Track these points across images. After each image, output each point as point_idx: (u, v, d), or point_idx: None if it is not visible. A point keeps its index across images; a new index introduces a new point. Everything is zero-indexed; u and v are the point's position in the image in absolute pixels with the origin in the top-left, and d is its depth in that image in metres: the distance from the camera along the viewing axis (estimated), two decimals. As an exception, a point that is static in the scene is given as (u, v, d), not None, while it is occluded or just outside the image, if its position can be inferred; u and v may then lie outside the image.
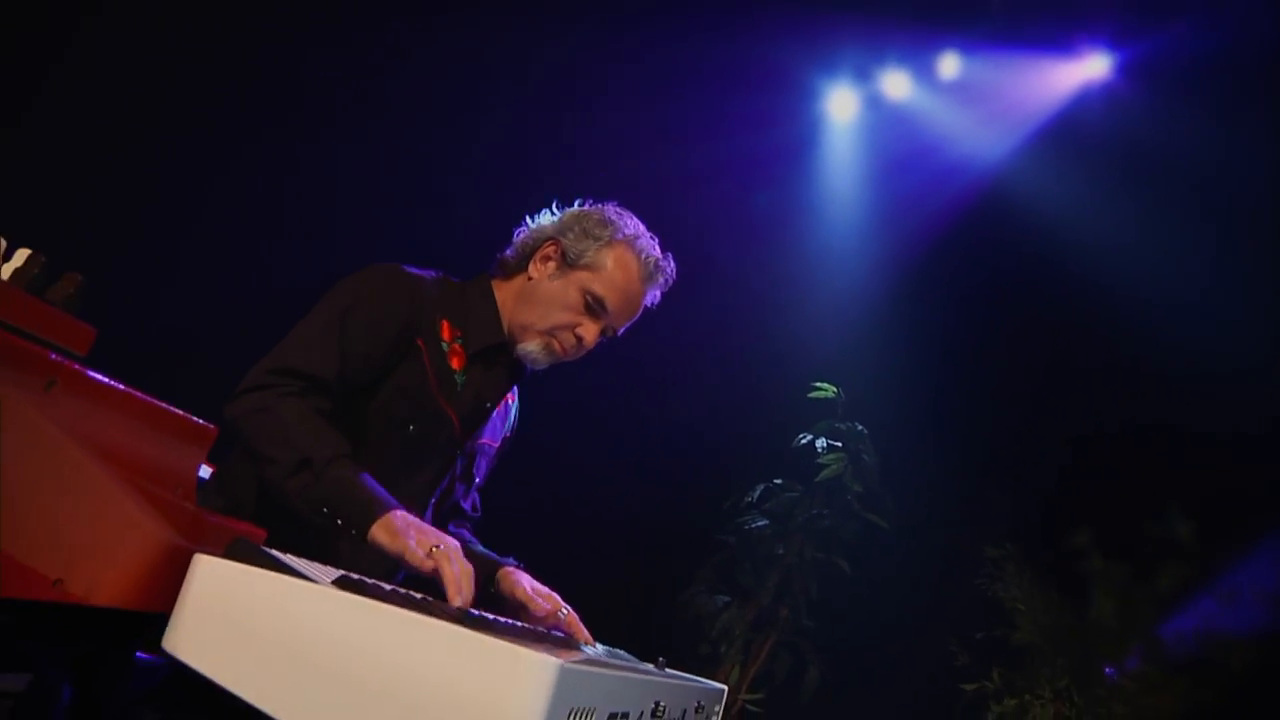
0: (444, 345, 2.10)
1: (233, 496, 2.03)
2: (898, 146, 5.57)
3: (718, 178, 5.05)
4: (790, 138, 5.53)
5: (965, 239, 5.12)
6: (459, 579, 1.63)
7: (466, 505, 2.40)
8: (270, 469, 1.78)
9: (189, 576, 0.98)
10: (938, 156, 5.48)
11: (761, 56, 5.15)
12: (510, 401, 2.41)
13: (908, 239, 5.34)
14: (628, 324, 2.25)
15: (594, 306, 2.15)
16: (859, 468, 4.73)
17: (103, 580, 0.93)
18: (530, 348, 2.18)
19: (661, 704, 1.39)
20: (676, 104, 4.99)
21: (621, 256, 2.17)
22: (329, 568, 1.24)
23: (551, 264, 2.19)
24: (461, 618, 1.09)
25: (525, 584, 2.14)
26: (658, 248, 2.25)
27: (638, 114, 4.81)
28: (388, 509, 1.74)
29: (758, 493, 4.81)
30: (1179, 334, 4.48)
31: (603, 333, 2.21)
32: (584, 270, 2.16)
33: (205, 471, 2.49)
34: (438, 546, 1.68)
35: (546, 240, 2.21)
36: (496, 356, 2.20)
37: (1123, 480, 4.72)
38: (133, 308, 3.66)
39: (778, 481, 4.84)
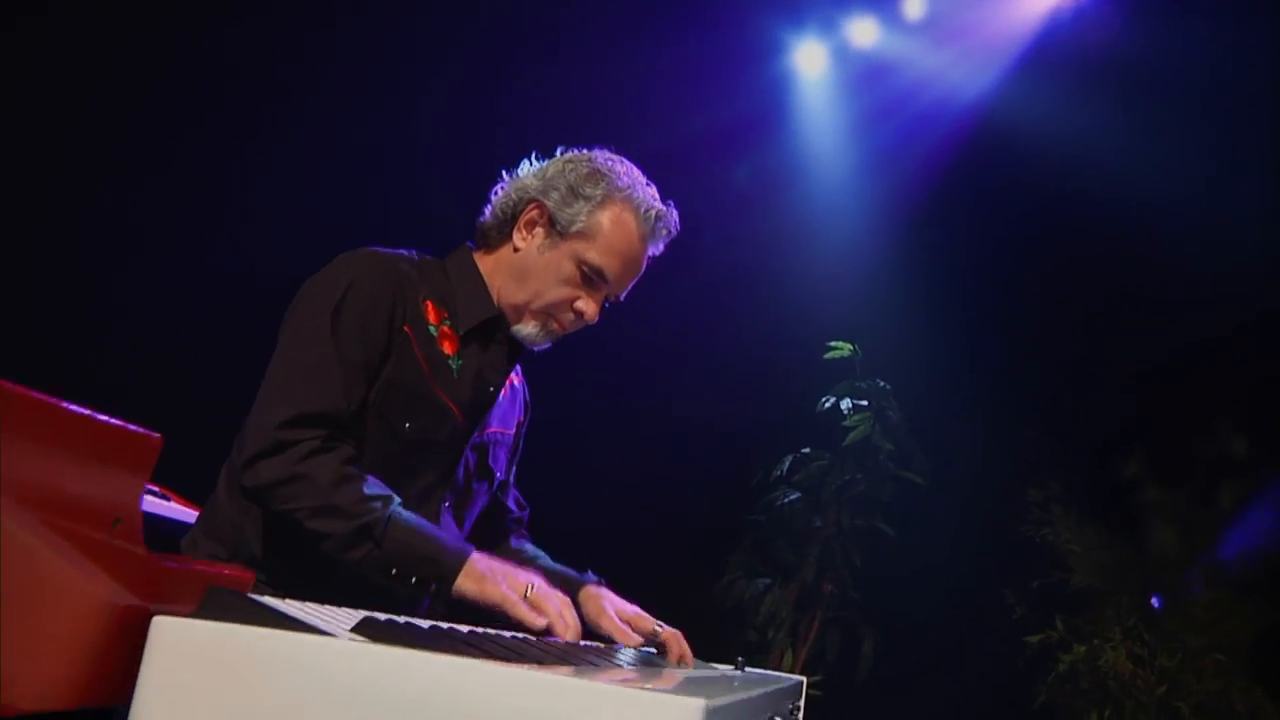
0: (432, 330, 1.89)
1: (227, 539, 1.80)
2: (876, 95, 5.28)
3: (694, 147, 4.76)
4: (762, 98, 5.24)
5: (963, 177, 4.86)
6: (562, 612, 1.58)
7: (510, 503, 2.20)
8: (326, 544, 1.64)
9: (148, 649, 0.70)
10: (919, 99, 5.19)
11: (721, 14, 4.88)
12: (516, 383, 2.16)
13: (904, 186, 5.07)
14: (631, 285, 2.01)
15: (592, 278, 1.92)
16: (886, 425, 4.48)
17: (19, 678, 0.64)
18: (527, 330, 1.97)
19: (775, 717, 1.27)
20: (646, 70, 4.71)
21: (618, 217, 1.92)
22: (343, 610, 0.96)
23: (539, 232, 1.95)
24: (570, 655, 0.83)
25: (609, 609, 1.96)
26: (657, 196, 1.99)
27: (603, 82, 4.54)
28: (465, 556, 1.65)
29: (786, 465, 4.54)
30: (1205, 245, 4.24)
31: (605, 301, 1.99)
32: (577, 238, 1.92)
33: (187, 514, 2.24)
34: (531, 587, 1.62)
35: (529, 203, 1.96)
36: (491, 334, 1.98)
37: (1166, 403, 4.48)
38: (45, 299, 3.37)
39: (806, 451, 4.57)
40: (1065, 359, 4.76)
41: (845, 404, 4.48)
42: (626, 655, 1.56)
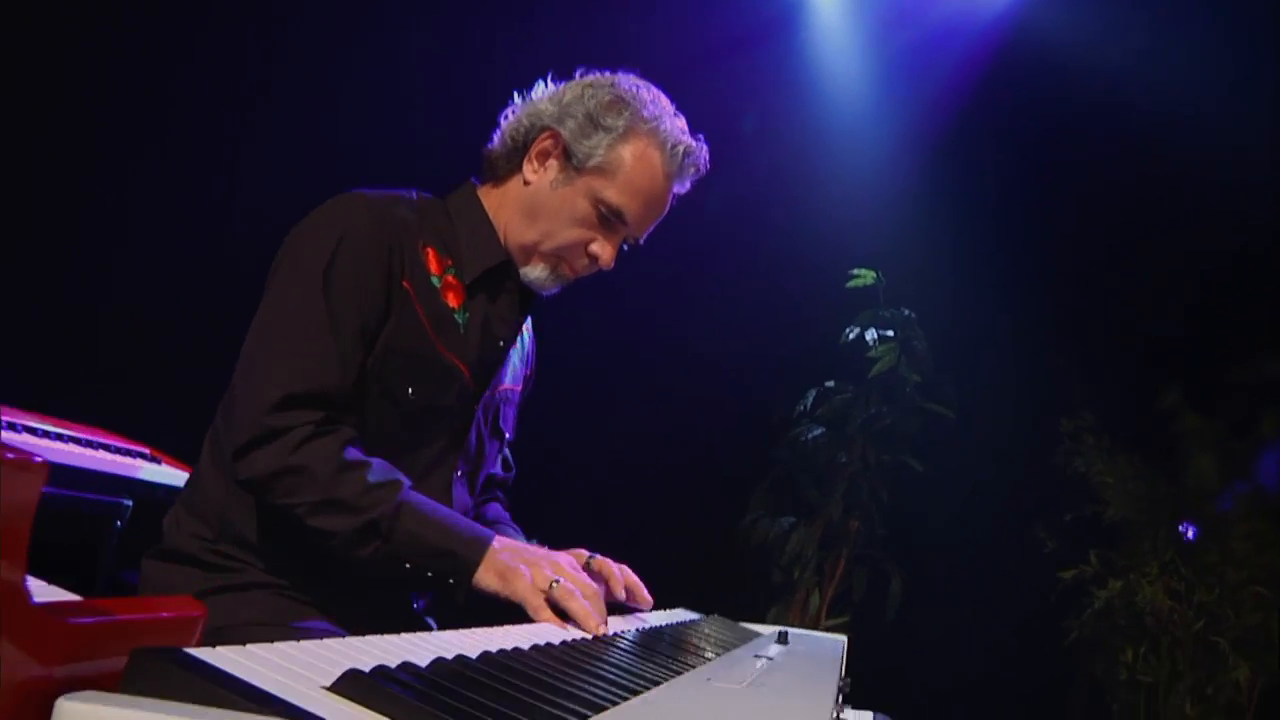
0: (434, 281, 1.69)
1: (211, 518, 1.63)
2: (895, 4, 5.00)
3: (701, 64, 4.50)
4: (774, 6, 4.94)
5: (989, 92, 4.60)
6: (591, 609, 1.43)
7: (498, 468, 2.00)
8: (331, 542, 1.49)
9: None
10: (941, 7, 4.92)
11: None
12: (526, 332, 1.97)
13: (926, 102, 4.81)
14: (653, 227, 1.82)
15: (609, 219, 1.73)
16: (912, 356, 4.30)
17: None
18: (535, 273, 1.78)
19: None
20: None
21: (642, 152, 1.71)
22: (325, 643, 0.80)
23: (553, 164, 1.74)
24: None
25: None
26: (685, 129, 1.78)
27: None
28: (484, 547, 1.50)
29: (810, 400, 4.37)
30: (1245, 163, 4.02)
31: (622, 244, 1.79)
32: (594, 174, 1.71)
33: (178, 477, 2.09)
34: (557, 582, 1.45)
35: (543, 131, 1.74)
36: (501, 282, 1.78)
37: (1203, 329, 4.30)
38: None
39: (829, 385, 4.40)
40: (1098, 284, 4.57)
41: (870, 334, 4.30)
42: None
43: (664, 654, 1.25)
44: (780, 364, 4.56)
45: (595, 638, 1.32)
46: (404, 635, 0.94)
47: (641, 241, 1.81)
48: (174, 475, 2.14)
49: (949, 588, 4.31)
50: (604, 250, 1.75)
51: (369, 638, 0.88)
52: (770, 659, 1.36)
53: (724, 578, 4.35)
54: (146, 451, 2.19)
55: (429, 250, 1.69)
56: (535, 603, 1.43)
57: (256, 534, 1.59)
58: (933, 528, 4.38)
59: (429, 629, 1.78)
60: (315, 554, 1.55)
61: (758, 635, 1.97)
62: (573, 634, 1.25)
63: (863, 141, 4.81)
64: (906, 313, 4.36)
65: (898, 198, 4.67)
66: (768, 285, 4.60)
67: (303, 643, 0.75)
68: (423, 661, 0.77)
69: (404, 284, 1.63)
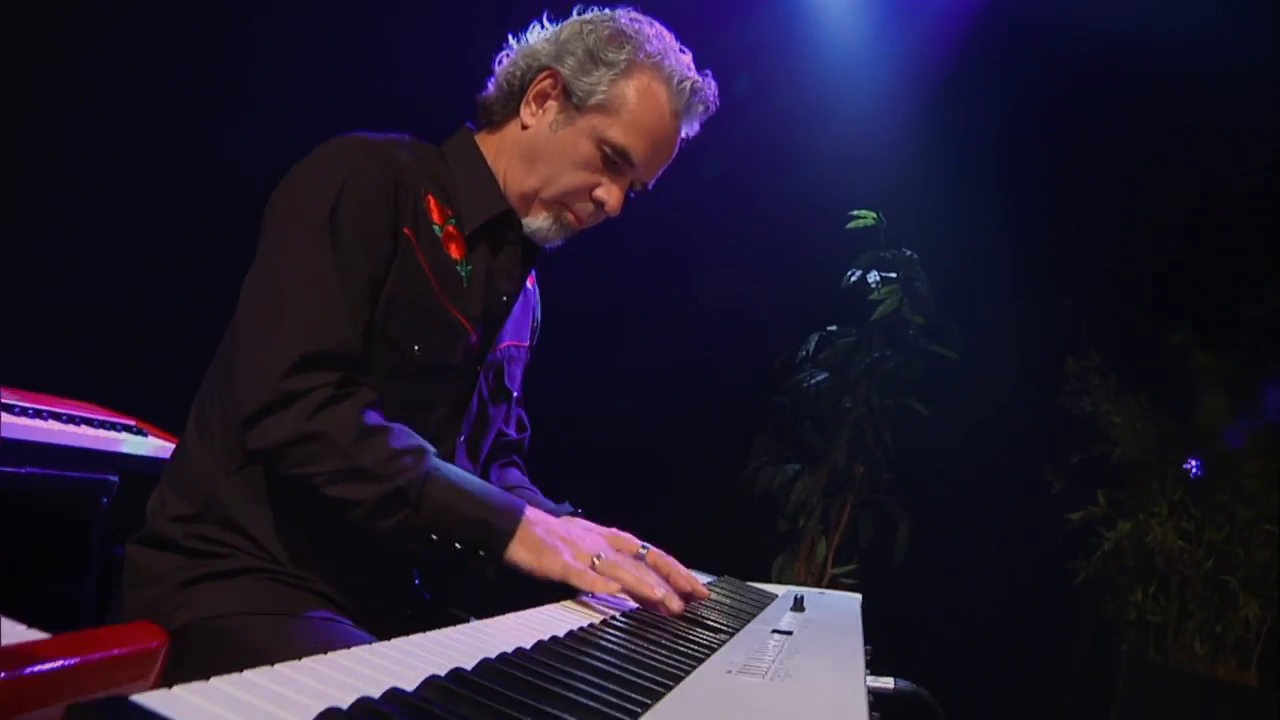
0: (436, 230, 1.58)
1: (196, 496, 1.52)
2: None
3: (697, 13, 4.35)
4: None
5: (989, 26, 4.46)
6: (653, 584, 1.37)
7: (511, 429, 1.92)
8: (353, 513, 1.38)
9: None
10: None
11: None
12: (528, 284, 1.87)
13: (925, 37, 4.68)
14: (661, 171, 1.71)
15: (614, 160, 1.62)
16: (915, 298, 4.22)
17: None
18: (537, 223, 1.67)
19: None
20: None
21: (646, 88, 1.61)
22: (307, 662, 0.73)
23: (552, 105, 1.64)
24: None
25: None
26: (692, 65, 1.68)
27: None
28: (517, 517, 1.42)
29: (813, 344, 4.30)
30: (1252, 93, 3.91)
31: (629, 188, 1.69)
32: (596, 113, 1.61)
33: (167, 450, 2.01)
34: (599, 556, 1.40)
35: (541, 71, 1.64)
36: (502, 233, 1.67)
37: (1212, 265, 4.21)
38: None
39: (832, 329, 4.33)
40: (1104, 222, 4.47)
41: (872, 277, 4.22)
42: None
43: (676, 637, 1.19)
44: (781, 309, 4.48)
45: (598, 623, 1.20)
46: (395, 642, 0.87)
47: (650, 186, 1.70)
48: (162, 448, 2.08)
49: (955, 531, 4.27)
50: (610, 194, 1.64)
51: (354, 651, 0.80)
52: (789, 634, 1.30)
53: (727, 528, 4.31)
54: (133, 424, 2.11)
55: (430, 197, 1.59)
56: (576, 569, 1.38)
57: (245, 512, 1.49)
58: (938, 471, 4.33)
59: (422, 605, 1.73)
60: (309, 531, 1.48)
61: (771, 598, 1.91)
62: (574, 623, 1.16)
63: (861, 79, 4.67)
64: (908, 253, 4.28)
65: (897, 136, 4.55)
66: (767, 229, 4.50)
67: (277, 668, 0.68)
68: (412, 674, 0.71)
69: (405, 231, 1.52)
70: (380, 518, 1.37)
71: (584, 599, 1.40)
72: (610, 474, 4.18)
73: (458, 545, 1.39)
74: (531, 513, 1.43)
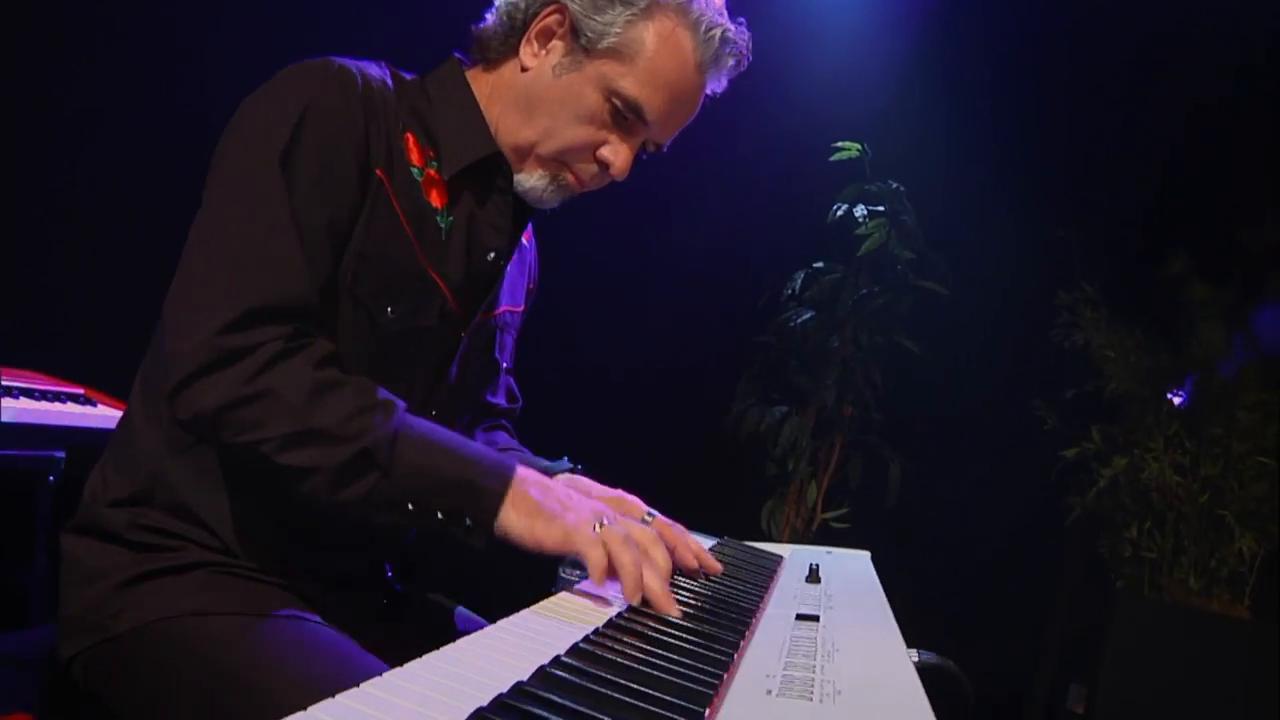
0: (415, 173, 1.36)
1: (142, 476, 1.33)
2: None
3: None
4: None
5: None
6: (651, 554, 1.20)
7: (500, 399, 1.74)
8: (311, 484, 1.17)
9: None
10: None
11: None
12: (524, 240, 1.66)
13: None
14: (678, 132, 1.48)
15: (625, 115, 1.39)
16: (902, 232, 4.08)
17: None
18: (531, 181, 1.44)
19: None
20: None
21: (668, 33, 1.38)
22: None
23: (557, 46, 1.40)
24: None
25: None
26: (724, 10, 1.46)
27: None
28: (508, 477, 1.21)
29: (799, 281, 4.16)
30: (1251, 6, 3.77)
31: (641, 149, 1.45)
32: (608, 58, 1.37)
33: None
34: (601, 520, 1.20)
35: (547, 5, 1.40)
36: (489, 180, 1.44)
37: (1210, 193, 4.08)
38: None
39: (819, 265, 4.18)
40: (1097, 149, 4.33)
41: (859, 210, 4.07)
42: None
43: (693, 634, 1.06)
44: (764, 246, 4.32)
45: (604, 630, 1.03)
46: (375, 683, 0.73)
47: (665, 148, 1.47)
48: (114, 418, 1.90)
49: (947, 470, 4.18)
50: (617, 155, 1.41)
51: (333, 702, 0.67)
52: (815, 621, 1.17)
53: (713, 472, 4.19)
54: (79, 393, 1.94)
55: (408, 136, 1.37)
56: (585, 536, 1.17)
57: (197, 495, 1.30)
58: (929, 410, 4.23)
59: (397, 596, 1.56)
60: (271, 517, 1.31)
61: (777, 560, 1.79)
62: (568, 633, 1.01)
63: (843, 5, 4.49)
64: (894, 186, 4.12)
65: (882, 64, 4.38)
66: (748, 163, 4.33)
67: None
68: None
69: (378, 173, 1.31)
70: (344, 486, 1.16)
71: (572, 592, 1.22)
72: (590, 420, 4.05)
73: (440, 514, 1.18)
74: (524, 471, 1.23)
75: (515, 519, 1.19)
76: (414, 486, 1.17)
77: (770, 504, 4.06)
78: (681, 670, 0.90)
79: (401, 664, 1.26)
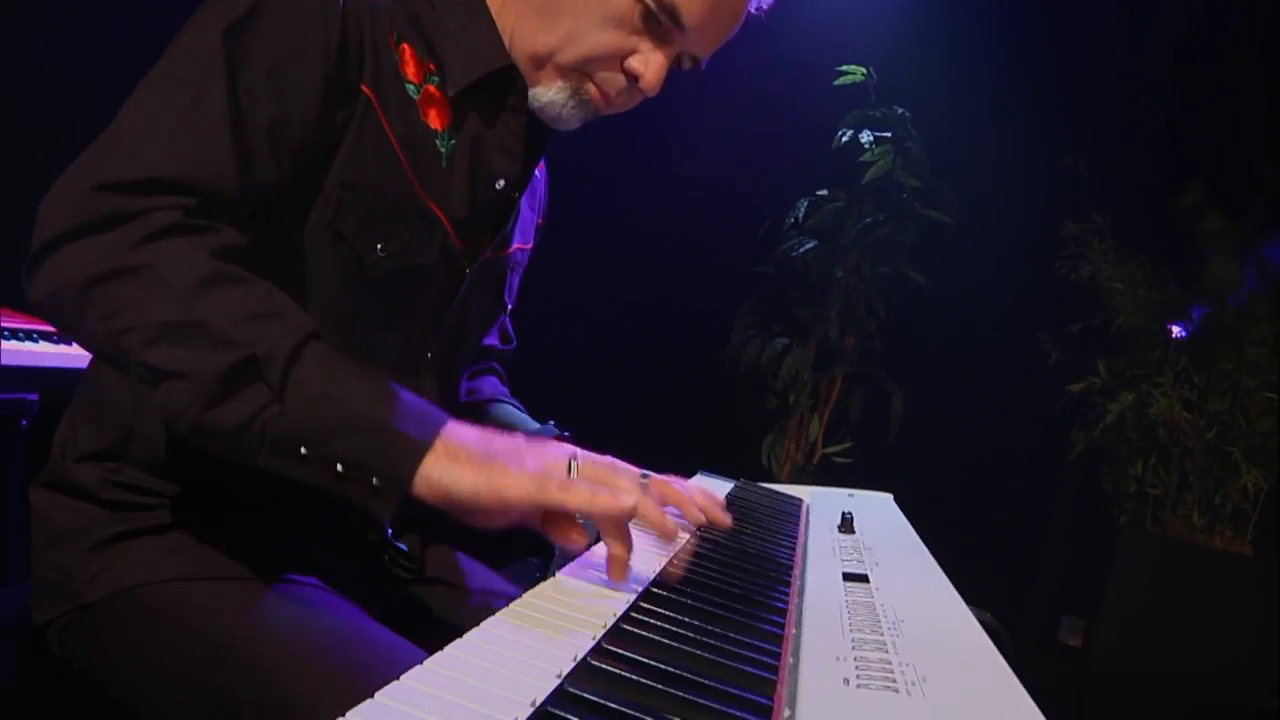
0: (410, 90, 1.18)
1: (112, 428, 1.17)
2: None
3: None
4: None
5: None
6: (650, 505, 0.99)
7: (494, 339, 1.60)
8: (170, 396, 0.90)
9: None
10: None
11: None
12: (537, 171, 1.50)
13: None
14: (719, 45, 1.29)
15: (659, 20, 1.19)
16: (908, 159, 3.95)
17: None
18: (549, 94, 1.24)
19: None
20: None
21: None
22: None
23: None
24: None
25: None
26: None
27: None
28: (436, 423, 0.93)
29: (802, 210, 4.03)
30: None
31: (676, 64, 1.26)
32: None
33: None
34: (575, 458, 0.98)
35: None
36: (500, 97, 1.25)
37: (1222, 122, 3.96)
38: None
39: (822, 193, 4.05)
40: (1109, 74, 4.18)
41: (864, 136, 3.93)
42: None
43: (735, 602, 0.96)
44: (765, 174, 4.18)
45: (630, 616, 0.88)
46: (414, 675, 0.63)
47: (704, 64, 1.29)
48: (86, 357, 1.77)
49: (949, 407, 4.10)
50: (648, 66, 1.21)
51: (374, 703, 0.57)
52: (866, 582, 1.07)
53: (712, 405, 4.10)
54: (51, 330, 1.80)
55: (405, 47, 1.18)
56: (540, 480, 0.92)
57: (175, 445, 1.14)
58: (932, 342, 4.14)
59: (398, 554, 1.38)
60: (259, 471, 1.18)
61: (797, 504, 1.70)
62: (593, 610, 0.86)
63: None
64: (900, 111, 3.98)
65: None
66: (749, 88, 4.16)
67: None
68: None
69: (364, 89, 1.13)
70: (218, 403, 0.89)
71: (572, 570, 1.02)
72: (585, 356, 3.94)
73: (340, 466, 0.90)
74: (459, 424, 0.96)
75: (454, 471, 0.90)
76: (310, 421, 0.90)
77: (771, 438, 3.98)
78: (732, 650, 0.81)
79: (412, 630, 1.17)
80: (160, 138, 0.98)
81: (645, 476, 1.29)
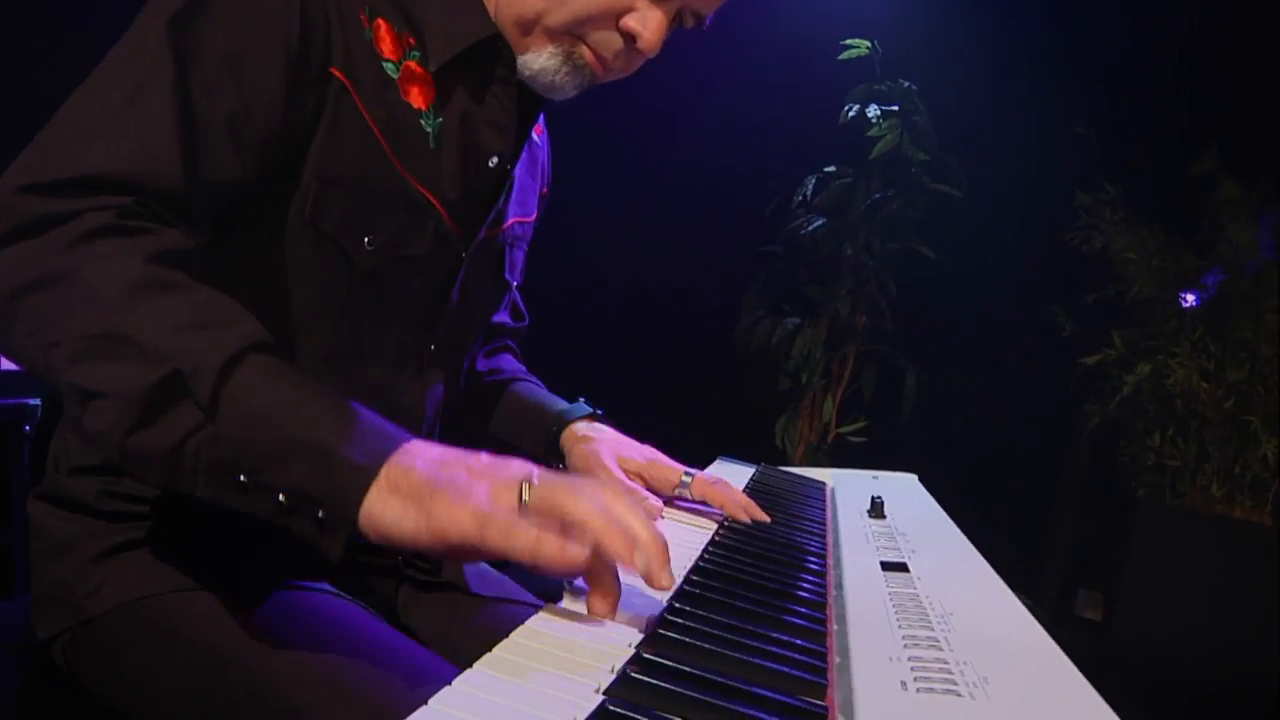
0: (388, 69, 1.08)
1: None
2: None
3: None
4: None
5: None
6: (648, 540, 0.81)
7: (505, 317, 1.54)
8: (94, 418, 0.81)
9: None
10: None
11: None
12: (536, 136, 1.42)
13: None
14: (722, 1, 1.18)
15: None
16: (915, 133, 3.88)
17: None
18: (540, 61, 1.15)
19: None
20: None
21: None
22: None
23: None
24: None
25: (611, 462, 1.32)
26: None
27: None
28: (387, 448, 0.81)
29: (810, 187, 3.97)
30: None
31: (676, 21, 1.16)
32: None
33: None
34: (529, 482, 0.80)
35: None
36: (487, 69, 1.16)
37: (1233, 84, 3.89)
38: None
39: (829, 170, 3.99)
40: (1119, 41, 4.11)
41: (871, 111, 3.87)
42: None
43: (775, 600, 0.92)
44: (771, 152, 4.12)
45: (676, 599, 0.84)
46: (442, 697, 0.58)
47: (708, 22, 1.19)
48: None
49: (963, 380, 4.06)
50: (645, 24, 1.10)
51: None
52: (906, 571, 1.03)
53: (725, 389, 4.06)
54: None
55: (379, 23, 1.08)
56: (505, 532, 0.77)
57: None
58: (944, 318, 4.09)
59: (409, 557, 1.31)
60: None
61: (822, 489, 1.65)
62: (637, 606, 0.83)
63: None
64: (906, 84, 3.92)
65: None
66: (753, 65, 4.11)
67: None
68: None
69: (334, 72, 1.04)
70: (143, 426, 0.79)
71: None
72: (595, 340, 3.89)
73: (281, 497, 0.80)
74: (419, 445, 0.83)
75: (393, 508, 0.79)
76: (245, 444, 0.80)
77: (784, 419, 3.93)
78: (776, 652, 0.77)
79: (422, 634, 1.13)
80: (94, 135, 0.89)
81: (689, 475, 1.25)
